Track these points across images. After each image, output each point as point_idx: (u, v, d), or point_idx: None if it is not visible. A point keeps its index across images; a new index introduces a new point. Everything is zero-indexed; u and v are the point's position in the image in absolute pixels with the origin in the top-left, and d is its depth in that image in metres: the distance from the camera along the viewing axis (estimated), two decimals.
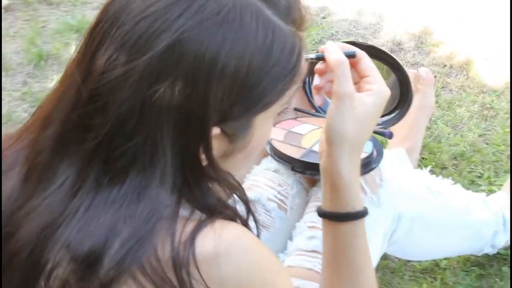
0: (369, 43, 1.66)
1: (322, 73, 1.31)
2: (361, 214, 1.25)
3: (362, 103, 1.18)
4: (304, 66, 1.10)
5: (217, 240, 1.02)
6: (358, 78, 1.23)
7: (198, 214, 1.05)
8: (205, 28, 1.00)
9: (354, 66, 1.23)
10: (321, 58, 1.22)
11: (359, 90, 1.21)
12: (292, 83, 1.08)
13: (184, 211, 1.05)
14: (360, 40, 1.58)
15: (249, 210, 1.15)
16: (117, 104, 0.99)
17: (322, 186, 1.28)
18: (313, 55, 1.22)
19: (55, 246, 1.00)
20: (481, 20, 2.90)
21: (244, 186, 1.62)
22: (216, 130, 1.03)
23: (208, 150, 1.04)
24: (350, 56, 1.21)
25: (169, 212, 1.04)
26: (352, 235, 1.26)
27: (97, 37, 1.03)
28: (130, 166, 1.02)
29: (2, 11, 3.18)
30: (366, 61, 1.23)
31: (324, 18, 2.98)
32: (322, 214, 1.27)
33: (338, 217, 1.25)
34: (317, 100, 1.38)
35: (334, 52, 1.19)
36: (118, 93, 0.99)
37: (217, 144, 1.05)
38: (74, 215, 1.02)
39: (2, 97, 2.75)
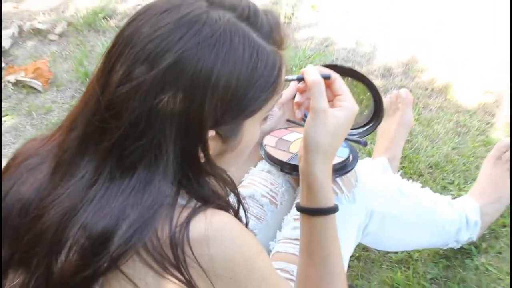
0: (363, 68, 1.66)
1: (302, 92, 1.37)
2: (331, 210, 1.27)
3: (334, 117, 1.21)
4: (284, 80, 1.12)
5: (208, 225, 1.04)
6: (332, 97, 1.26)
7: (193, 203, 1.07)
8: (201, 49, 1.02)
9: (329, 86, 1.26)
10: (301, 79, 1.25)
11: (332, 106, 1.24)
12: (274, 93, 1.11)
13: (182, 200, 1.07)
14: (356, 67, 1.58)
15: (239, 202, 1.17)
16: (129, 112, 1.02)
17: (300, 185, 1.30)
18: (294, 76, 1.26)
19: (75, 226, 1.02)
20: (458, 51, 2.90)
21: (243, 184, 1.69)
22: (211, 133, 1.06)
23: (205, 149, 1.07)
24: (326, 77, 1.24)
25: (169, 201, 1.06)
26: (323, 227, 1.27)
27: (113, 56, 1.07)
28: (138, 163, 1.04)
29: (57, 36, 3.22)
30: (339, 82, 1.27)
31: (327, 46, 2.99)
32: (299, 208, 1.29)
33: (312, 212, 1.27)
34: (297, 113, 1.44)
35: (312, 74, 1.21)
36: (130, 102, 1.02)
37: (213, 144, 1.08)
38: (91, 202, 1.04)
39: (54, 109, 2.78)
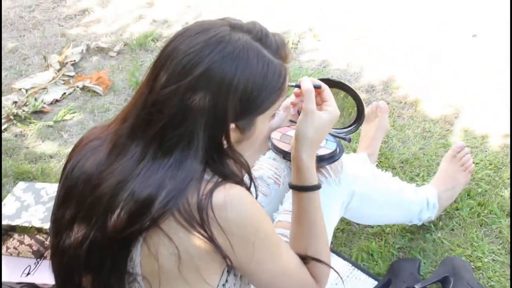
0: (352, 85, 1.68)
1: (297, 95, 1.41)
2: (315, 187, 1.30)
3: (320, 117, 1.26)
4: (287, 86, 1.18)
5: (226, 195, 1.08)
6: (321, 102, 1.30)
7: (216, 178, 1.11)
8: (225, 62, 1.07)
9: (319, 94, 1.30)
10: (298, 86, 1.29)
11: (320, 109, 1.28)
12: (280, 96, 1.16)
13: (207, 176, 1.10)
14: (346, 83, 1.60)
15: (251, 180, 1.20)
16: (169, 108, 1.07)
17: (292, 168, 1.33)
18: (293, 84, 1.31)
19: (125, 193, 1.07)
20: (426, 73, 2.90)
21: (254, 168, 1.71)
22: (232, 125, 1.10)
23: (227, 138, 1.11)
24: (317, 87, 1.29)
25: (197, 176, 1.09)
26: (309, 200, 1.29)
27: (158, 66, 1.11)
28: (175, 147, 1.08)
29: (115, 53, 3.25)
30: (327, 92, 1.31)
31: (324, 67, 3.01)
32: (291, 186, 1.32)
33: (300, 188, 1.29)
34: (292, 111, 1.53)
35: (306, 83, 1.26)
36: (170, 101, 1.07)
37: (233, 134, 1.12)
38: (138, 175, 1.08)
39: (111, 109, 2.82)
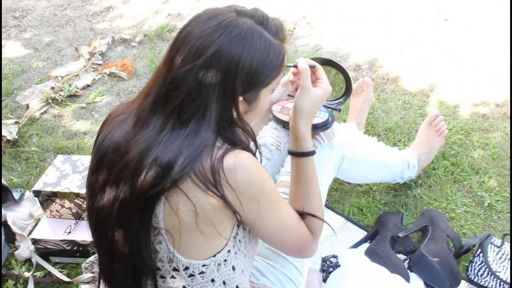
0: (338, 61, 1.68)
1: (295, 74, 1.41)
2: (310, 153, 1.29)
3: (314, 93, 1.26)
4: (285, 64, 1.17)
5: (236, 159, 1.08)
6: (315, 80, 1.29)
7: (226, 145, 1.10)
8: (233, 43, 1.07)
9: (313, 73, 1.29)
10: (296, 66, 1.29)
11: (314, 86, 1.27)
12: (280, 72, 1.16)
13: (218, 143, 1.10)
14: (333, 58, 1.60)
15: (256, 146, 1.20)
16: (186, 85, 1.07)
17: (290, 136, 1.33)
18: (291, 64, 1.31)
19: (149, 159, 1.07)
20: (405, 53, 2.88)
21: (258, 136, 1.70)
22: (240, 98, 1.10)
23: (237, 108, 1.11)
24: (311, 66, 1.29)
25: (211, 143, 1.09)
26: (305, 165, 1.29)
27: (174, 48, 1.11)
28: (191, 118, 1.08)
29: (137, 43, 3.23)
30: (320, 71, 1.30)
31: (317, 50, 2.99)
32: (289, 152, 1.31)
33: (297, 154, 1.29)
34: (291, 88, 1.50)
35: (303, 63, 1.25)
36: (186, 78, 1.07)
37: (241, 106, 1.12)
38: (160, 143, 1.08)
39: (134, 91, 2.80)
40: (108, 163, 1.16)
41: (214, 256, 1.15)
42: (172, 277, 1.15)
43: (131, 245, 1.13)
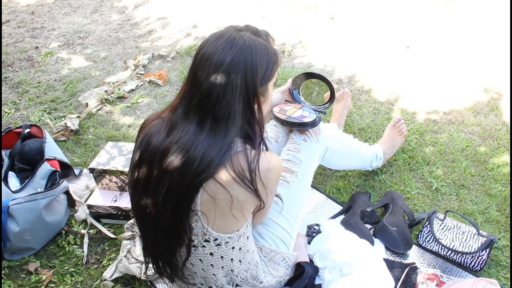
0: (324, 75, 1.66)
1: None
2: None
3: None
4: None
5: (269, 162, 1.09)
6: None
7: (254, 145, 1.10)
8: (242, 50, 1.06)
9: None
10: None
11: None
12: (278, 66, 1.14)
13: (240, 145, 1.08)
14: (322, 73, 1.58)
15: (262, 139, 1.15)
16: (214, 92, 1.04)
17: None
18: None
19: (195, 154, 1.04)
20: (376, 71, 2.85)
21: None
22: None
23: (258, 101, 1.09)
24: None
25: (239, 145, 1.07)
26: None
27: (195, 68, 1.08)
28: (222, 117, 1.05)
29: (171, 59, 3.21)
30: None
31: (309, 67, 2.96)
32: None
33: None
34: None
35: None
36: (214, 87, 1.04)
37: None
38: (193, 144, 1.05)
39: (168, 95, 2.78)
40: (148, 160, 1.12)
41: (238, 230, 1.16)
42: (203, 246, 1.15)
43: (174, 222, 1.10)
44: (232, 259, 1.19)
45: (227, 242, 1.15)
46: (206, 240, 1.14)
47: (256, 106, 1.09)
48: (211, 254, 1.16)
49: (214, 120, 1.05)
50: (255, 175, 1.04)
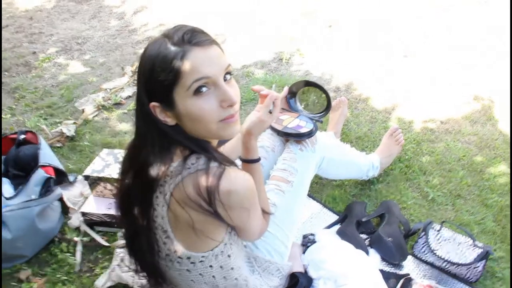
0: (325, 87, 1.65)
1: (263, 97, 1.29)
2: (257, 160, 1.24)
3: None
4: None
5: (231, 183, 0.96)
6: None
7: (215, 164, 0.98)
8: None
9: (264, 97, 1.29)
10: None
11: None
12: (181, 74, 0.93)
13: (203, 164, 0.98)
14: (318, 82, 1.57)
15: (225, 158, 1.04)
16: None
17: (242, 148, 1.23)
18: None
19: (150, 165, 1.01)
20: (374, 80, 2.84)
21: (259, 140, 1.61)
22: (154, 104, 0.98)
23: (156, 116, 1.02)
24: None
25: (202, 162, 0.98)
26: (252, 170, 1.22)
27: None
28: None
29: None
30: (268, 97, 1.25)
31: (307, 75, 2.95)
32: (241, 159, 1.26)
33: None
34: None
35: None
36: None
37: (163, 114, 1.00)
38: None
39: None
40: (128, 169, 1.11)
41: (212, 250, 1.09)
42: (178, 262, 1.10)
43: (147, 235, 1.08)
44: (213, 276, 1.13)
45: (201, 261, 1.10)
46: (179, 257, 1.09)
47: (169, 123, 0.98)
48: (187, 270, 1.12)
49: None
50: (214, 198, 0.94)
